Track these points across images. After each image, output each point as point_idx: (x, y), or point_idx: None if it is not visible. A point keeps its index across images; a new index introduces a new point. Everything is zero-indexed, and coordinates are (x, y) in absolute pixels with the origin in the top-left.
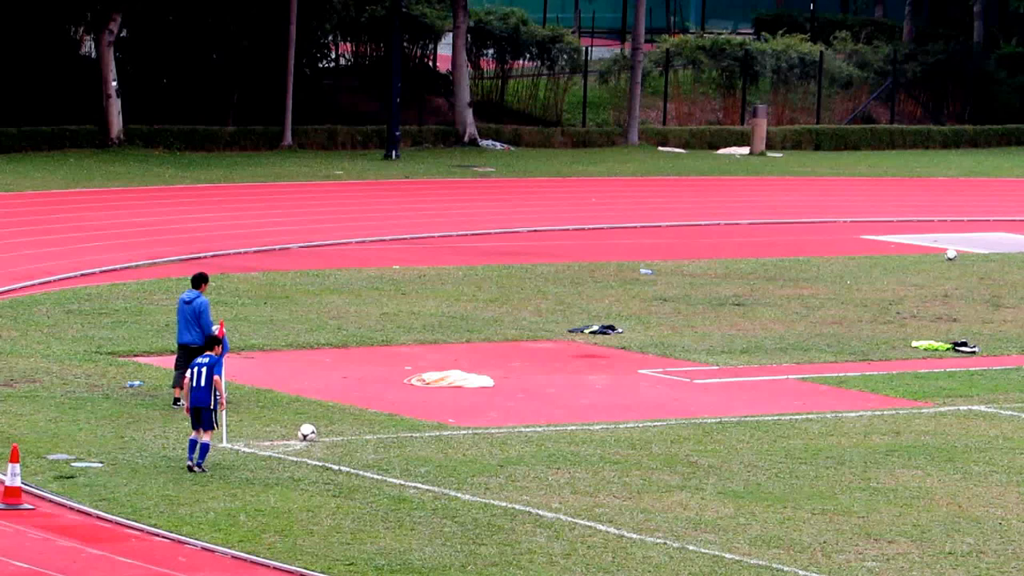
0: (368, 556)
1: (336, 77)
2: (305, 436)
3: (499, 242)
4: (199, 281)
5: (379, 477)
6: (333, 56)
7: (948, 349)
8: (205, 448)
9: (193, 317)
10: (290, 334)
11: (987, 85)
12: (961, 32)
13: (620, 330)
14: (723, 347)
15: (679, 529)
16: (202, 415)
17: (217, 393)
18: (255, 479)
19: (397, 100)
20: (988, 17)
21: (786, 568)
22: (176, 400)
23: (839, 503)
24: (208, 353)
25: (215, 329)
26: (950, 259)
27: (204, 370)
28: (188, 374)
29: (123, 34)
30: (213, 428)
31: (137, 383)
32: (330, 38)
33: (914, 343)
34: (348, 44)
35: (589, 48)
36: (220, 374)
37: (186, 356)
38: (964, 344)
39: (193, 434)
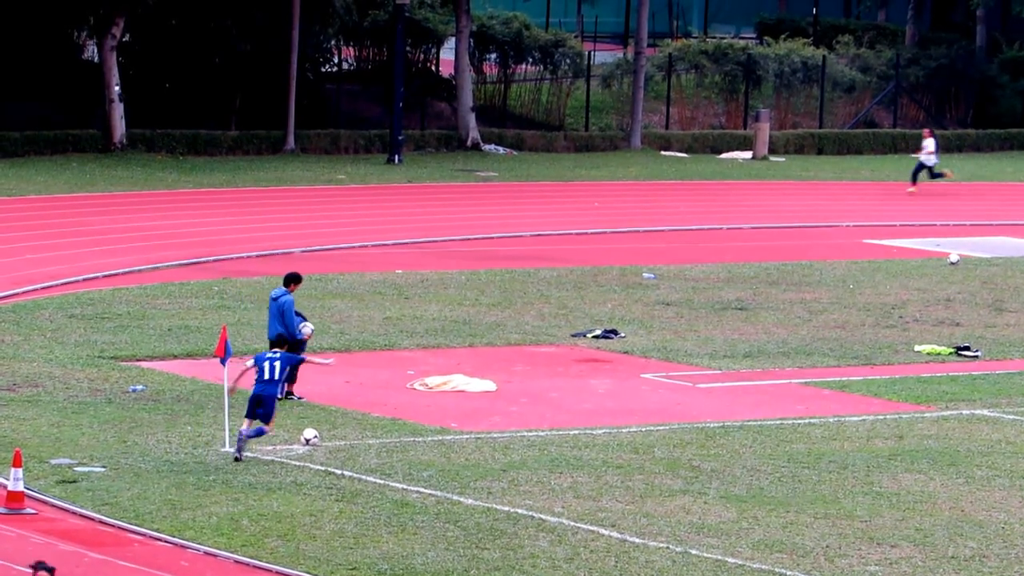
0: (371, 560)
1: (339, 82)
2: (308, 440)
3: (502, 246)
4: (289, 280)
5: (382, 481)
6: (336, 61)
7: (951, 353)
8: (260, 432)
9: (278, 314)
10: None
11: (989, 89)
12: (963, 36)
13: (623, 334)
14: (726, 351)
15: (682, 533)
16: (266, 404)
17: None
18: (258, 483)
19: (400, 104)
20: (990, 21)
21: (789, 572)
22: (289, 394)
23: (842, 507)
24: (277, 349)
25: (304, 330)
26: (953, 263)
27: (278, 363)
28: (257, 368)
29: (126, 38)
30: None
31: (140, 387)
32: (333, 42)
33: (917, 347)
34: (351, 48)
35: (592, 52)
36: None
37: None
38: (967, 348)
39: (244, 425)
